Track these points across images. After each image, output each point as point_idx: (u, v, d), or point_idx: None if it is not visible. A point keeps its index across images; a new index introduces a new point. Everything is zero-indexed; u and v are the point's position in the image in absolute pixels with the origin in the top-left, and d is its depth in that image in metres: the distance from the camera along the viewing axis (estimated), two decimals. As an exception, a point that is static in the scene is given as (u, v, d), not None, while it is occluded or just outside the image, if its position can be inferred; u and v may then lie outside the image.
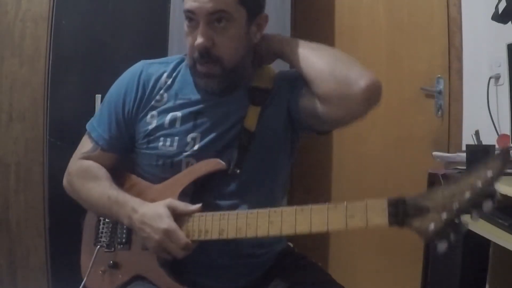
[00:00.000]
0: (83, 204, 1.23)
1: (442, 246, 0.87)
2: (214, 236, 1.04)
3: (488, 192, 0.85)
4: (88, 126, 1.26)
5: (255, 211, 1.01)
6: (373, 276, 2.48)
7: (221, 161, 1.11)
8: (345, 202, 0.94)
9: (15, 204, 2.32)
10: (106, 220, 1.21)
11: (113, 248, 1.18)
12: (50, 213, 2.30)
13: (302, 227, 0.96)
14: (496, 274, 1.54)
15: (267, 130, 1.17)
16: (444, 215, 0.87)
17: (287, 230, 0.97)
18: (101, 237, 1.20)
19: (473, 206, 0.86)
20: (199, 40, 1.08)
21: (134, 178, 1.22)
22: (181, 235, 1.05)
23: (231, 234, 1.02)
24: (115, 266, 1.17)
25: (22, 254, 2.33)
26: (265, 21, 1.18)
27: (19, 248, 2.33)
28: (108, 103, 1.24)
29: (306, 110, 1.14)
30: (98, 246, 1.20)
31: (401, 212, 0.90)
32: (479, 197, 0.86)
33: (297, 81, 1.15)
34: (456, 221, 0.87)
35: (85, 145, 1.25)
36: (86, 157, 1.23)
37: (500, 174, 0.86)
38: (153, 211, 1.08)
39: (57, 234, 2.28)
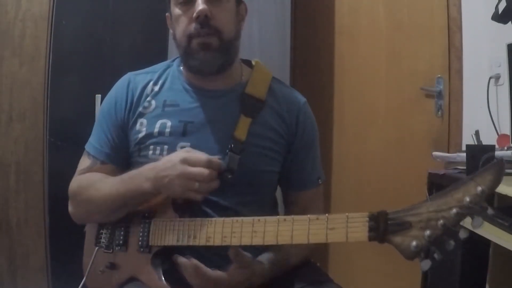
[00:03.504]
0: (98, 214, 1.19)
1: (425, 265, 0.82)
2: (202, 242, 1.03)
3: (478, 209, 0.79)
4: (86, 146, 1.26)
5: (240, 219, 1.01)
6: (372, 276, 2.48)
7: None
8: (327, 214, 0.92)
9: (15, 204, 2.33)
10: None
11: (111, 250, 1.18)
12: (50, 213, 2.30)
13: (284, 238, 0.95)
14: (496, 274, 1.54)
15: (257, 141, 1.19)
16: (428, 233, 0.81)
17: (270, 240, 0.97)
18: (101, 238, 1.20)
19: (460, 223, 0.80)
20: (201, 6, 1.11)
21: None
22: (199, 154, 1.06)
23: (217, 241, 1.02)
24: (113, 267, 1.17)
25: (22, 254, 2.33)
26: (245, 12, 1.24)
27: (19, 248, 2.33)
28: (102, 117, 1.25)
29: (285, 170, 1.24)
30: (97, 247, 1.20)
31: (381, 227, 0.85)
32: (467, 214, 0.80)
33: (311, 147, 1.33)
34: (441, 239, 0.81)
35: (83, 164, 1.25)
36: (86, 172, 1.23)
37: (491, 190, 0.79)
38: (167, 158, 1.09)
39: (57, 234, 2.28)
